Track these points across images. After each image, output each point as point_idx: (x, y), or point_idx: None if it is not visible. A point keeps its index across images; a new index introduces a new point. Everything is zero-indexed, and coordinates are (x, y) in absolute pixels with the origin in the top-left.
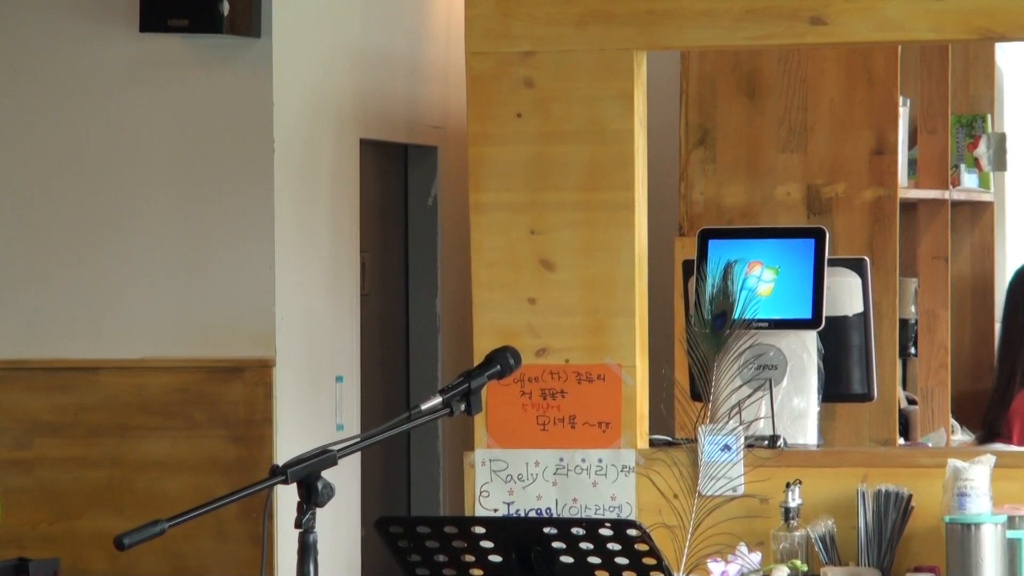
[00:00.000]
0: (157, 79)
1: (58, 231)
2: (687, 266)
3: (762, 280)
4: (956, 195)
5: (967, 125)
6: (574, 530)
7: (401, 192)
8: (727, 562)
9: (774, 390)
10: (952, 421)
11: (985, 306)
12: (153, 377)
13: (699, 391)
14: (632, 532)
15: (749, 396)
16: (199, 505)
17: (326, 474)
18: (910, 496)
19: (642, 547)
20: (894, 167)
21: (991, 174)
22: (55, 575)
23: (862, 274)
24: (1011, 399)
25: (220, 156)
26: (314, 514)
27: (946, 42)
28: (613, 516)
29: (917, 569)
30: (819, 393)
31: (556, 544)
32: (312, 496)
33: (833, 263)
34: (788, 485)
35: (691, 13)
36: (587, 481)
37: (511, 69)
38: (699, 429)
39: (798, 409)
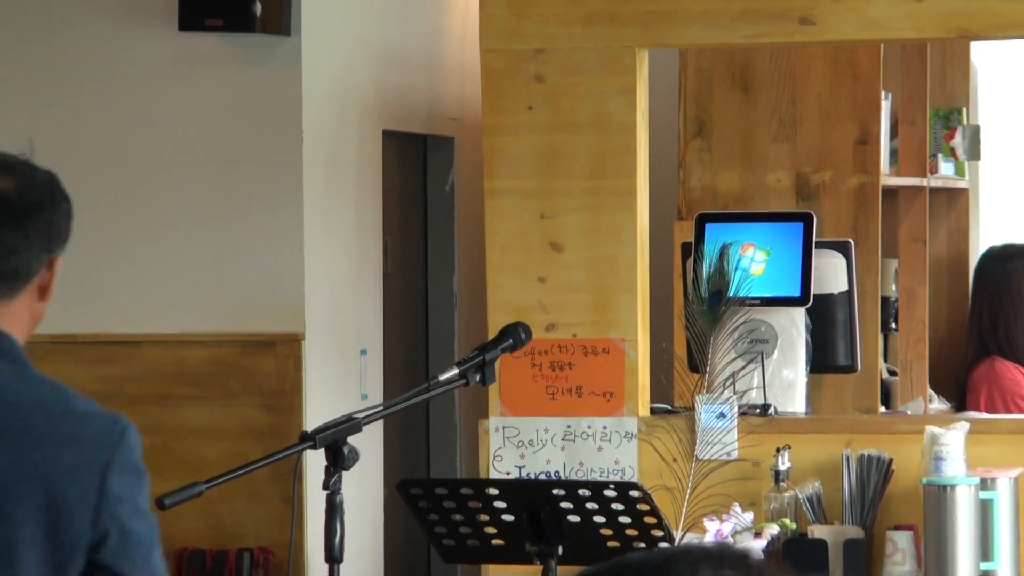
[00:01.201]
0: (195, 74)
1: (104, 216)
2: (685, 248)
3: (755, 261)
4: (934, 182)
5: (944, 117)
6: (581, 491)
7: (420, 179)
8: (722, 521)
9: (765, 362)
10: (929, 391)
11: (960, 285)
12: (192, 350)
13: (696, 363)
14: (634, 493)
15: (743, 368)
16: (234, 468)
17: (351, 440)
18: (891, 460)
19: (643, 507)
20: (876, 156)
21: (966, 163)
22: None
23: (847, 255)
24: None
25: (253, 146)
26: (340, 477)
27: (925, 41)
28: (617, 479)
29: (897, 527)
30: (807, 365)
31: (564, 504)
32: (338, 460)
33: (820, 245)
34: (778, 450)
35: (690, 13)
36: (593, 446)
37: (523, 65)
38: (696, 398)
39: (787, 380)
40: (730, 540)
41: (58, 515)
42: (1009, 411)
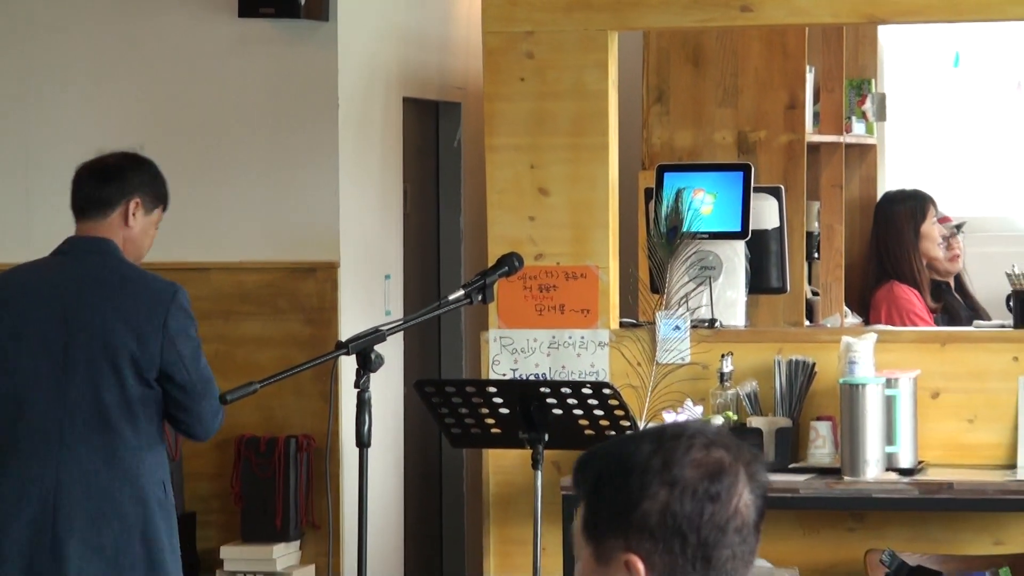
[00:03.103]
0: (251, 53)
1: (179, 168)
2: (648, 192)
3: (704, 203)
4: (848, 139)
5: (857, 87)
6: (563, 390)
7: (433, 137)
8: (677, 413)
9: (713, 285)
10: (844, 308)
11: (869, 222)
12: (249, 275)
13: (657, 286)
14: (606, 391)
15: (694, 289)
16: (283, 371)
17: (377, 347)
18: (814, 364)
19: (614, 402)
20: (802, 118)
21: (875, 124)
22: None
23: (779, 198)
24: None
25: (298, 111)
26: (368, 378)
27: (841, 24)
28: (592, 379)
29: (818, 418)
30: (746, 287)
31: (549, 400)
32: (367, 364)
33: (757, 190)
34: (723, 356)
35: (652, 2)
36: (573, 353)
37: (516, 44)
38: (657, 314)
39: (730, 299)
40: None
41: (145, 343)
42: (904, 325)
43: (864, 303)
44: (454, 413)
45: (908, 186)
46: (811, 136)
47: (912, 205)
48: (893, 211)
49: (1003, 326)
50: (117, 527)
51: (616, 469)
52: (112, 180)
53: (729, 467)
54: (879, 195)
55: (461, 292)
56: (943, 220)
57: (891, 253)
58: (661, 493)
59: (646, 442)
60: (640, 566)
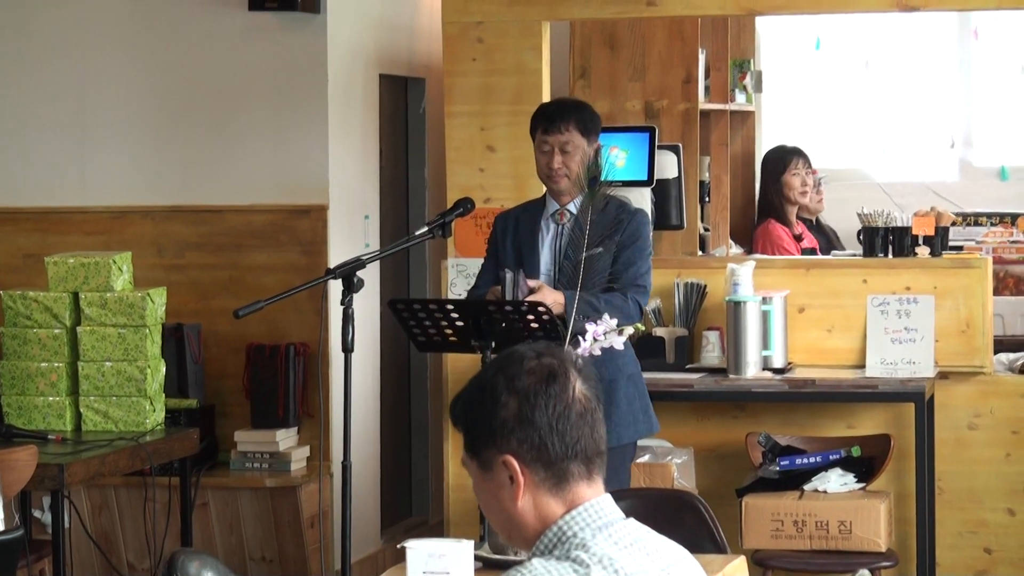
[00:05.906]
0: (258, 39)
1: (202, 128)
2: None
3: (618, 157)
4: (732, 107)
5: (739, 65)
6: (506, 307)
7: (403, 105)
8: (597, 324)
9: None
10: (730, 241)
11: (749, 173)
12: (257, 216)
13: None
14: (540, 309)
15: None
16: (283, 291)
17: (359, 273)
18: (705, 285)
19: (546, 317)
20: (696, 90)
21: (753, 95)
22: (199, 334)
23: (677, 154)
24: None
25: (296, 85)
26: (351, 297)
27: (727, 16)
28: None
29: (709, 328)
30: (652, 224)
31: (496, 315)
32: (350, 286)
33: (660, 147)
34: None
35: None
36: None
37: (469, 32)
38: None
39: None
40: (603, 337)
41: None
42: (775, 254)
43: (748, 238)
44: (420, 325)
45: (779, 143)
46: (703, 104)
47: (780, 159)
48: (767, 164)
49: (855, 255)
50: None
51: (474, 396)
52: None
53: (559, 368)
54: (756, 151)
55: (425, 228)
56: (814, 172)
57: (767, 196)
58: (511, 402)
59: (491, 369)
60: (513, 461)
